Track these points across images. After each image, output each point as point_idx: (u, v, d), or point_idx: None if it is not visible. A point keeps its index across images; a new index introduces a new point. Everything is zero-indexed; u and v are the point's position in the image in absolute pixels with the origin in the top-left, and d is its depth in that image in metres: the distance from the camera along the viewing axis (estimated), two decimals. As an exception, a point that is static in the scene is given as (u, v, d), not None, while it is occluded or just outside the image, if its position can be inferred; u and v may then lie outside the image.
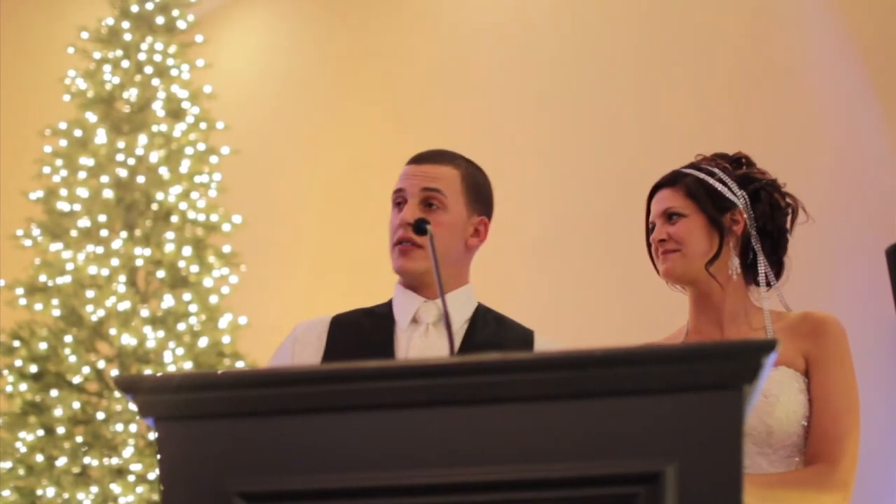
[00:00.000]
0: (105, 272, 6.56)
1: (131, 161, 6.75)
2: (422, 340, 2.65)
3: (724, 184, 2.69)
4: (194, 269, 6.68)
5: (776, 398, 2.54)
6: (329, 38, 8.05)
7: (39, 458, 6.36)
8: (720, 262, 2.66)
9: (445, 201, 2.65)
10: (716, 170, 2.71)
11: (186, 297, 6.62)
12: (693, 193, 2.68)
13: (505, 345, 2.66)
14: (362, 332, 2.69)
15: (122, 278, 6.57)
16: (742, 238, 2.69)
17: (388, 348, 2.65)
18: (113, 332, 6.51)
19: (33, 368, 6.47)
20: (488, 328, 2.70)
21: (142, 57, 6.95)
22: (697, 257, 2.66)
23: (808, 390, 2.56)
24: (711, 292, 2.67)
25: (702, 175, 2.70)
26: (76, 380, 6.47)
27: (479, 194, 2.71)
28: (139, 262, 6.64)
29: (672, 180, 2.73)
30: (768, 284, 2.69)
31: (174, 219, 6.74)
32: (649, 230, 2.75)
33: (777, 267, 2.72)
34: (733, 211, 2.68)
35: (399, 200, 2.69)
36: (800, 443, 2.55)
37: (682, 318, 2.78)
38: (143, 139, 6.77)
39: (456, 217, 2.66)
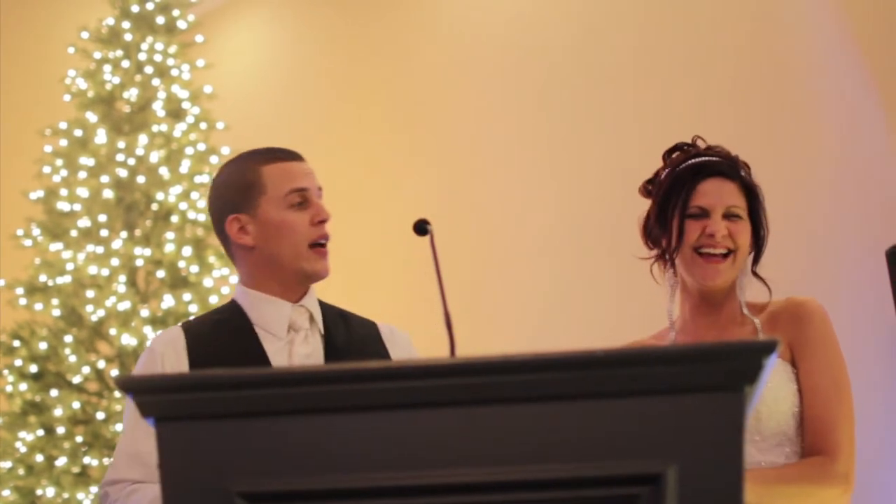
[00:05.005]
0: (105, 272, 6.56)
1: (131, 161, 6.74)
2: (303, 347, 2.55)
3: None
4: (194, 269, 6.68)
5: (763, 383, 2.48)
6: (330, 38, 8.05)
7: (39, 457, 6.35)
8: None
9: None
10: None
11: (186, 297, 6.61)
12: (747, 193, 2.58)
13: (359, 339, 2.60)
14: (226, 342, 2.52)
15: (122, 278, 6.57)
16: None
17: (262, 357, 2.50)
18: (113, 332, 6.50)
19: (33, 368, 6.47)
20: (339, 326, 2.62)
21: (142, 57, 6.95)
22: (741, 263, 2.57)
23: (796, 380, 2.50)
24: (724, 295, 2.60)
25: (746, 175, 2.60)
26: (76, 380, 6.46)
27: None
28: (139, 262, 6.63)
29: (732, 169, 2.58)
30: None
31: (174, 219, 6.74)
32: (683, 212, 2.56)
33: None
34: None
35: (301, 200, 2.65)
36: (790, 433, 2.48)
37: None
38: (143, 139, 6.77)
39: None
